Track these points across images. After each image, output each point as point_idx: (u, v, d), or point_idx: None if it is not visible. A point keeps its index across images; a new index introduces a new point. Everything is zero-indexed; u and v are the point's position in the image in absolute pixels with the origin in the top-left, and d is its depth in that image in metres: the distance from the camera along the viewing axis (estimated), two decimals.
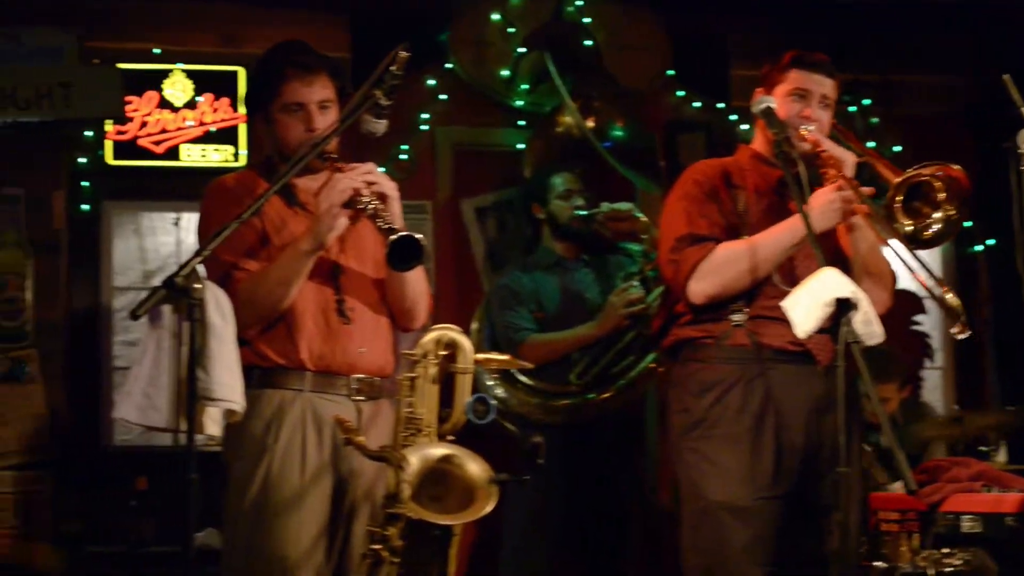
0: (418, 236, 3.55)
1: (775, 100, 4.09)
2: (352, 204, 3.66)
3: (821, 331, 3.57)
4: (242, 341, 3.63)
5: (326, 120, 3.80)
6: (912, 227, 3.95)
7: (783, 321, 3.65)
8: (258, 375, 3.72)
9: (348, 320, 3.79)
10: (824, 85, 4.14)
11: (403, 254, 3.56)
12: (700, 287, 4.02)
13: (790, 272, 4.01)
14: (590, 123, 5.94)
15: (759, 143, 4.22)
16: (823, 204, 3.92)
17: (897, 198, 3.93)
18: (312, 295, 3.76)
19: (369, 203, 3.65)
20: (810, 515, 3.93)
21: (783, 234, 3.97)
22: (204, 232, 3.82)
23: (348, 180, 3.66)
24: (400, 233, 3.54)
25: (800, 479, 3.98)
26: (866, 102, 6.60)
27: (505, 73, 6.36)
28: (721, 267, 4.01)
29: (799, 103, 4.11)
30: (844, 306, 3.47)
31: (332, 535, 3.73)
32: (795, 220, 3.88)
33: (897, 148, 6.51)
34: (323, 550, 3.71)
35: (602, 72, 6.23)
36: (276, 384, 3.74)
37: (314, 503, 3.69)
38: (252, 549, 3.66)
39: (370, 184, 3.68)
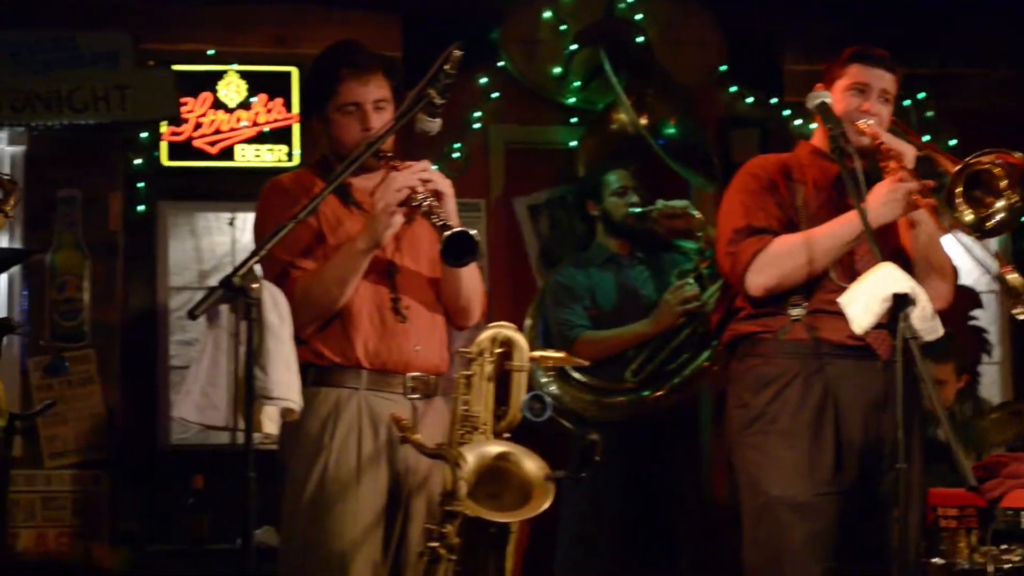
0: (472, 232, 3.55)
1: (830, 95, 4.06)
2: (407, 202, 3.67)
3: (879, 327, 3.55)
4: (298, 340, 3.64)
5: (381, 119, 3.80)
6: (974, 216, 3.90)
7: (842, 315, 3.62)
8: (314, 373, 3.73)
9: (404, 318, 3.79)
10: (884, 80, 4.12)
11: (458, 250, 3.56)
12: (758, 279, 4.00)
13: (849, 267, 3.98)
14: (644, 120, 5.93)
15: (818, 138, 4.20)
16: (885, 196, 3.89)
17: (957, 188, 3.90)
18: (368, 294, 3.77)
19: (424, 200, 3.65)
20: (871, 511, 3.91)
21: (841, 228, 3.93)
22: (260, 231, 3.84)
23: (404, 178, 3.67)
24: (454, 229, 3.55)
25: (860, 475, 3.95)
26: (921, 96, 6.55)
27: (557, 70, 6.36)
28: (779, 259, 3.98)
29: (859, 97, 4.08)
30: (902, 301, 3.45)
31: (388, 533, 3.74)
32: (854, 214, 3.84)
33: (952, 142, 6.45)
34: (379, 548, 3.71)
35: (656, 68, 6.20)
36: (332, 382, 3.75)
37: (370, 501, 3.69)
38: (309, 547, 3.68)
39: (425, 182, 3.69)
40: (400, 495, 3.75)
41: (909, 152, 3.98)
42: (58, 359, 5.77)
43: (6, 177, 4.25)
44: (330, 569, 3.64)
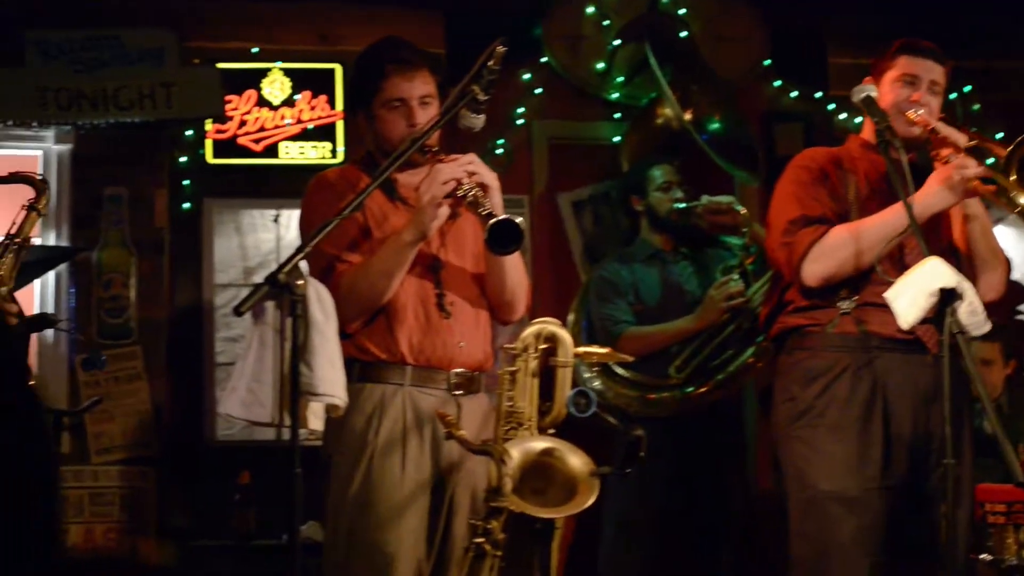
0: (518, 219, 3.55)
1: (875, 88, 4.04)
2: (453, 194, 3.67)
3: (926, 321, 3.53)
4: (343, 335, 3.65)
5: (427, 115, 3.80)
6: None
7: (890, 309, 3.60)
8: (359, 369, 3.74)
9: (448, 314, 3.80)
10: (934, 71, 4.10)
11: (503, 238, 3.55)
12: (814, 269, 3.97)
13: (899, 261, 3.96)
14: (688, 115, 5.91)
15: (868, 132, 4.18)
16: (943, 181, 3.86)
17: (1011, 173, 3.86)
18: (412, 289, 3.77)
19: (470, 191, 3.65)
20: (919, 506, 3.88)
21: (894, 217, 3.88)
22: (306, 226, 3.85)
23: (450, 170, 3.66)
24: (500, 217, 3.55)
25: (910, 469, 3.93)
26: (967, 89, 6.50)
27: (600, 66, 6.36)
28: (835, 249, 3.95)
29: (908, 88, 4.07)
30: (949, 296, 3.43)
31: (432, 528, 3.74)
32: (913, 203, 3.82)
33: (999, 135, 6.40)
34: (423, 543, 3.72)
35: (700, 63, 6.19)
36: (377, 378, 3.75)
37: (414, 497, 3.70)
38: (354, 543, 3.68)
39: (471, 174, 3.69)
40: (444, 491, 3.75)
41: (962, 140, 3.95)
42: (95, 353, 5.80)
43: (38, 177, 4.30)
44: (375, 565, 3.65)
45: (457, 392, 3.78)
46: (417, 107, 3.81)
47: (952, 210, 4.05)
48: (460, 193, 3.65)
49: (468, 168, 3.69)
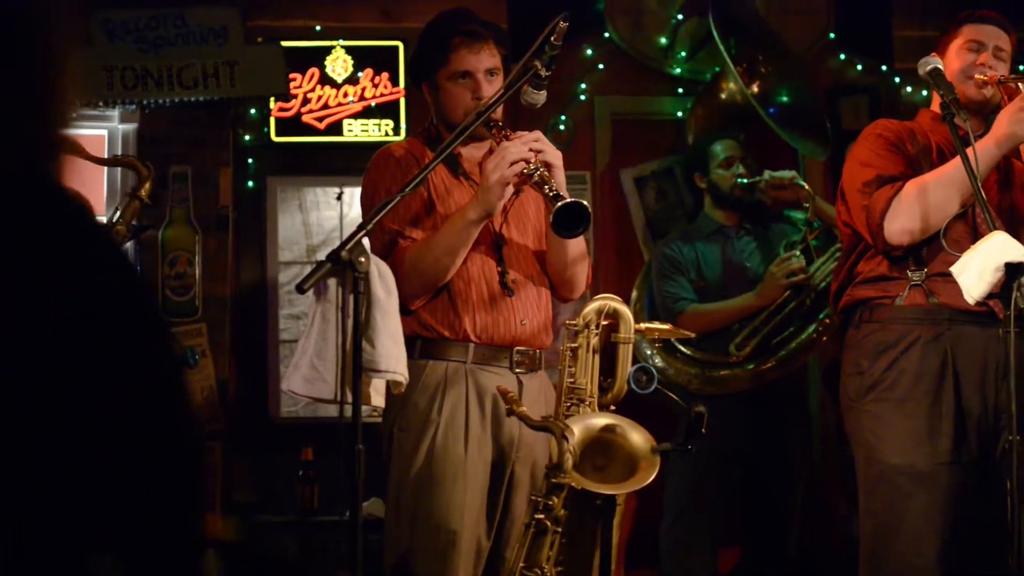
0: (584, 202, 3.53)
1: (941, 61, 4.00)
2: (520, 173, 3.65)
3: (991, 296, 3.49)
4: (407, 312, 3.66)
5: (493, 88, 3.78)
6: None
7: None
8: (421, 346, 3.75)
9: (511, 292, 3.79)
10: (1000, 37, 4.06)
11: (569, 221, 3.53)
12: (898, 225, 3.89)
13: (974, 231, 3.91)
14: (755, 88, 5.87)
15: (937, 104, 4.14)
16: (1011, 115, 3.80)
17: None
18: (476, 267, 3.77)
19: (536, 171, 3.63)
20: (989, 483, 3.82)
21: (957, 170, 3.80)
22: (369, 201, 3.84)
23: (517, 150, 3.63)
24: (567, 199, 3.53)
25: (980, 445, 3.89)
26: None
27: (663, 41, 6.32)
28: (917, 198, 3.87)
29: (973, 54, 4.03)
30: (1015, 271, 3.39)
31: (492, 506, 3.75)
32: (980, 148, 3.75)
33: None
34: (484, 521, 3.73)
35: (766, 32, 6.13)
36: (440, 355, 3.76)
37: (476, 474, 3.71)
38: (416, 520, 3.70)
39: (537, 152, 3.67)
40: (505, 468, 3.76)
41: None
42: (190, 353, 5.84)
43: (143, 163, 4.22)
44: (437, 541, 3.66)
45: (519, 370, 3.78)
46: (483, 80, 3.80)
47: None
48: (527, 172, 3.63)
49: (535, 146, 3.67)
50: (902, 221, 3.89)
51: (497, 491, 3.75)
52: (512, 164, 3.61)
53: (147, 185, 4.21)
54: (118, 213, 4.12)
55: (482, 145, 3.83)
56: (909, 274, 3.95)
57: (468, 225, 3.68)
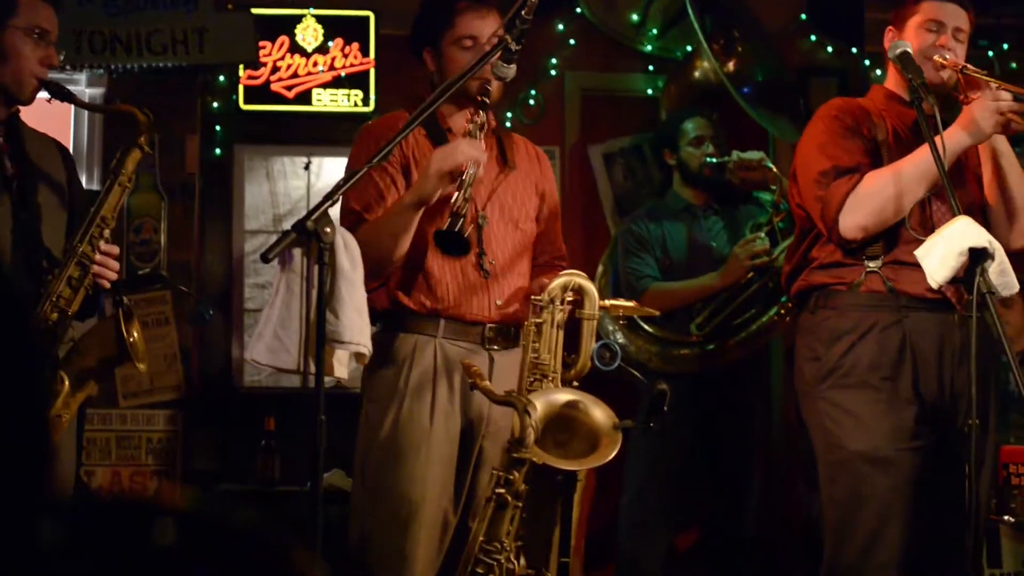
0: (467, 236, 3.54)
1: (911, 44, 3.99)
2: (457, 176, 3.61)
3: (955, 281, 3.50)
4: (380, 285, 3.65)
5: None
6: None
7: (920, 267, 3.57)
8: (393, 319, 3.75)
9: (487, 274, 3.78)
10: (959, 17, 4.03)
11: (450, 245, 3.56)
12: (853, 219, 3.89)
13: (928, 219, 3.92)
14: (731, 66, 5.86)
15: (892, 82, 4.13)
16: (981, 110, 3.79)
17: None
18: None
19: (469, 182, 3.60)
20: (949, 467, 3.81)
21: (927, 160, 3.79)
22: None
23: (468, 152, 3.60)
24: (453, 230, 3.52)
25: (939, 430, 3.90)
26: (1005, 47, 6.43)
27: (635, 17, 6.31)
28: (873, 195, 3.88)
29: (933, 34, 4.01)
30: (979, 256, 3.41)
31: (460, 479, 3.75)
32: (950, 138, 3.75)
33: None
34: (450, 494, 3.73)
35: (744, 12, 6.12)
36: (410, 328, 3.75)
37: (441, 447, 3.71)
38: (379, 490, 3.70)
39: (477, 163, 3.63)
40: (474, 443, 3.76)
41: (992, 82, 3.89)
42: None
43: (141, 112, 4.02)
44: (398, 513, 3.67)
45: (492, 347, 3.78)
46: (488, 47, 3.74)
47: (982, 156, 4.01)
48: (464, 177, 3.60)
49: (477, 158, 3.64)
50: (858, 217, 3.89)
51: (466, 465, 3.75)
52: (456, 163, 3.59)
53: (146, 135, 4.07)
54: (117, 162, 3.94)
55: (466, 113, 3.81)
56: (865, 261, 3.96)
57: (405, 209, 3.65)
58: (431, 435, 3.69)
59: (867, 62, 6.36)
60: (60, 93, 3.86)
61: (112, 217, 3.84)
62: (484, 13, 3.80)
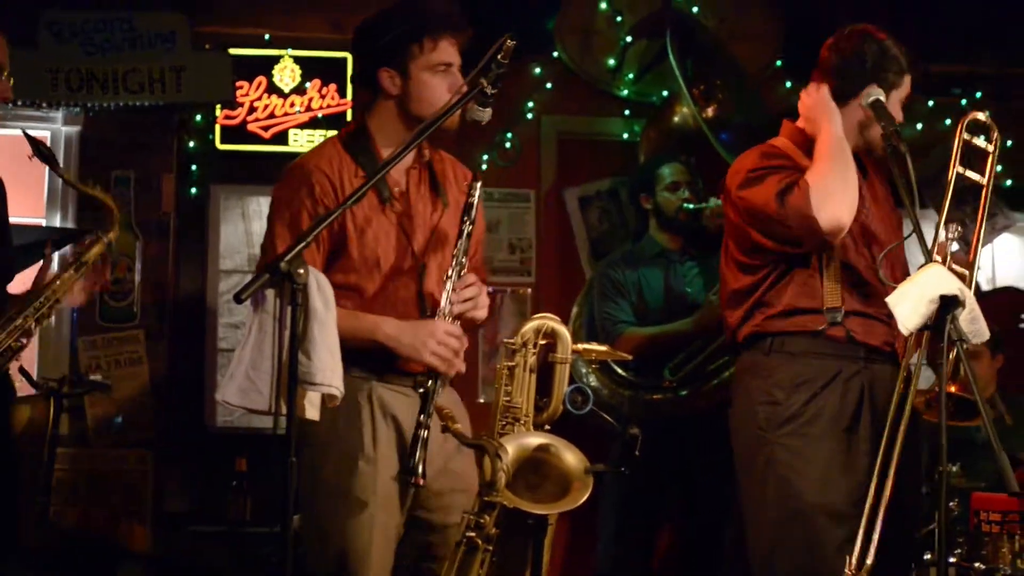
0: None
1: (883, 93, 4.03)
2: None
3: (926, 328, 3.51)
4: None
5: (456, 85, 3.68)
6: None
7: (878, 319, 3.59)
8: None
9: (430, 315, 3.72)
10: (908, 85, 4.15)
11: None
12: (827, 213, 3.84)
13: (889, 270, 3.92)
14: (710, 111, 5.88)
15: (801, 120, 4.20)
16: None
17: None
18: (394, 291, 3.71)
19: (439, 378, 3.66)
20: (899, 519, 3.76)
21: (833, 137, 3.95)
22: (274, 217, 3.74)
23: (448, 351, 3.64)
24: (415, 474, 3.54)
25: (895, 483, 3.87)
26: (978, 95, 6.48)
27: (611, 62, 6.34)
28: (830, 181, 3.87)
29: (902, 111, 4.11)
30: (950, 303, 3.42)
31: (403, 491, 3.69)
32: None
33: (1009, 143, 6.36)
34: (394, 540, 3.68)
35: (724, 55, 6.15)
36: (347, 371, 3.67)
37: (385, 488, 3.64)
38: (322, 535, 3.64)
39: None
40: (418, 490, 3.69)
41: None
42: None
43: (109, 200, 4.15)
44: (344, 558, 3.61)
45: (421, 390, 3.70)
46: (458, 76, 3.70)
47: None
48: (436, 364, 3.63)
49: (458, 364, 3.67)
50: (833, 206, 3.84)
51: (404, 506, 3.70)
52: (425, 361, 3.61)
53: (115, 229, 4.14)
54: (83, 249, 4.04)
55: (405, 163, 3.73)
56: (825, 313, 3.94)
57: (362, 334, 3.63)
58: (371, 477, 3.63)
59: None
60: (43, 155, 3.94)
61: (62, 296, 3.99)
62: (459, 41, 3.72)
